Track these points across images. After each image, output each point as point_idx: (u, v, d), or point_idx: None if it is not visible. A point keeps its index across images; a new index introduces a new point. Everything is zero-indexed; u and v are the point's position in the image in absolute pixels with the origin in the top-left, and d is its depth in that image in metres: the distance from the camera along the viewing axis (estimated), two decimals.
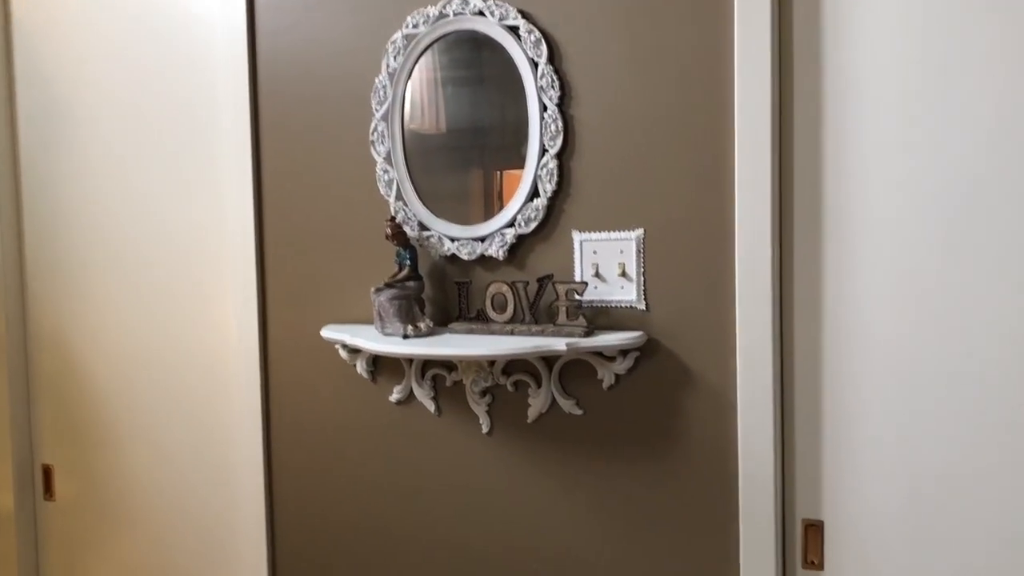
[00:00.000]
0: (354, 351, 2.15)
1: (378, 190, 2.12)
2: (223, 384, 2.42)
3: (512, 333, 1.91)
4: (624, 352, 1.88)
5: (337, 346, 2.16)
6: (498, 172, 2.04)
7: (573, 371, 1.96)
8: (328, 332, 2.11)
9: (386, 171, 2.10)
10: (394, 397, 2.15)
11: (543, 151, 1.93)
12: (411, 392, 2.14)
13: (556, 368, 1.96)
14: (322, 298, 2.25)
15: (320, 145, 2.23)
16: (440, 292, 2.09)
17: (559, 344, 1.80)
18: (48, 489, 2.74)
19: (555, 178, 1.91)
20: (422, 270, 2.04)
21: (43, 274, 2.70)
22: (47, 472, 2.75)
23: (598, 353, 1.90)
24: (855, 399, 1.76)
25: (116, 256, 2.56)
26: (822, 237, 1.76)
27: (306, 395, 2.31)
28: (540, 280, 1.90)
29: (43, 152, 2.68)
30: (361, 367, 2.18)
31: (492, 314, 1.94)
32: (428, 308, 2.08)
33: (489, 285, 1.95)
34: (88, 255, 2.61)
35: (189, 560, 2.52)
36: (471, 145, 2.07)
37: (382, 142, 2.11)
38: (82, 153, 2.60)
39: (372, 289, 2.03)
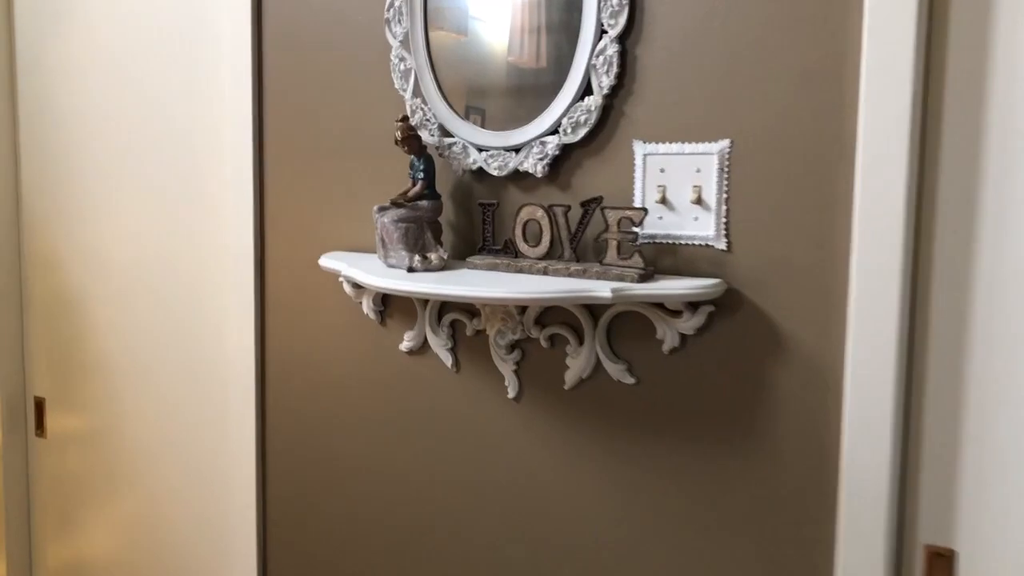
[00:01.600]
0: (358, 286, 1.81)
1: (392, 82, 1.74)
2: (218, 317, 2.14)
3: (545, 272, 1.50)
4: (694, 305, 1.45)
5: (340, 278, 1.82)
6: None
7: (625, 327, 1.55)
8: (327, 260, 1.75)
9: (402, 59, 1.70)
10: (405, 345, 1.79)
11: (600, 32, 1.48)
12: (425, 340, 1.77)
13: (603, 322, 1.55)
14: (326, 218, 1.91)
15: (327, 25, 1.86)
16: (462, 216, 1.70)
17: (602, 290, 1.38)
18: (40, 424, 2.55)
19: (614, 69, 1.47)
20: (442, 188, 1.66)
21: (39, 192, 2.47)
22: (39, 406, 2.54)
23: (658, 305, 1.48)
24: (1011, 399, 1.28)
25: (113, 171, 2.30)
26: (981, 173, 1.27)
27: (305, 335, 1.97)
28: (585, 204, 1.48)
29: (38, 64, 2.42)
30: (368, 306, 1.82)
31: (523, 246, 1.54)
32: (446, 236, 1.71)
33: (521, 209, 1.54)
34: (85, 170, 2.36)
35: (181, 499, 2.28)
36: None
37: (399, 21, 1.70)
38: (79, 58, 2.33)
39: (375, 208, 1.65)
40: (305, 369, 1.98)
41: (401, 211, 1.59)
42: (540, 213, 1.52)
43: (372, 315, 1.82)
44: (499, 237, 1.61)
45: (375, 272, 1.57)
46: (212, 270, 2.12)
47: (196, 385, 2.20)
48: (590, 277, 1.45)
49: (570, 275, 1.48)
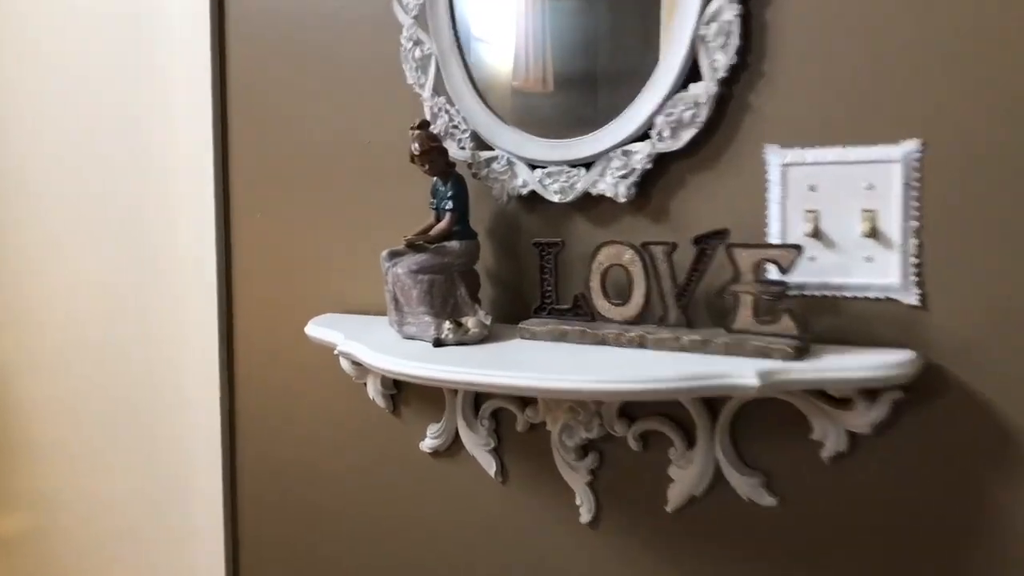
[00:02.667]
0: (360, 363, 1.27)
1: (403, 75, 1.26)
2: (175, 401, 1.64)
3: (641, 344, 1.02)
4: (871, 394, 0.97)
5: (336, 352, 1.25)
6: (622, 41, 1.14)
7: (761, 422, 1.06)
8: (317, 328, 1.28)
9: (417, 42, 1.23)
10: (428, 443, 1.30)
11: None
12: (456, 436, 1.28)
13: (726, 415, 1.07)
14: (315, 268, 1.43)
15: (309, 1, 1.41)
16: (509, 262, 1.23)
17: (744, 375, 0.90)
18: None
19: (734, 41, 1.00)
20: (478, 223, 1.19)
21: None
22: None
23: (818, 392, 1.00)
24: None
25: (44, 215, 1.81)
26: None
27: (289, 429, 1.49)
28: (703, 241, 1.00)
29: None
30: (374, 388, 1.33)
31: (603, 305, 1.06)
32: (486, 291, 1.22)
33: (599, 250, 1.06)
34: (5, 220, 1.88)
35: None
36: None
37: None
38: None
39: (384, 254, 1.17)
40: (290, 478, 1.49)
41: (422, 257, 1.11)
42: (630, 256, 1.04)
43: (381, 401, 1.33)
44: (566, 292, 1.11)
45: (386, 347, 1.10)
46: (167, 340, 1.64)
47: (153, 500, 1.71)
48: (713, 352, 0.97)
49: (682, 349, 0.99)
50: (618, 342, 1.04)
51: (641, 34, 1.10)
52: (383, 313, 1.23)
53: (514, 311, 1.22)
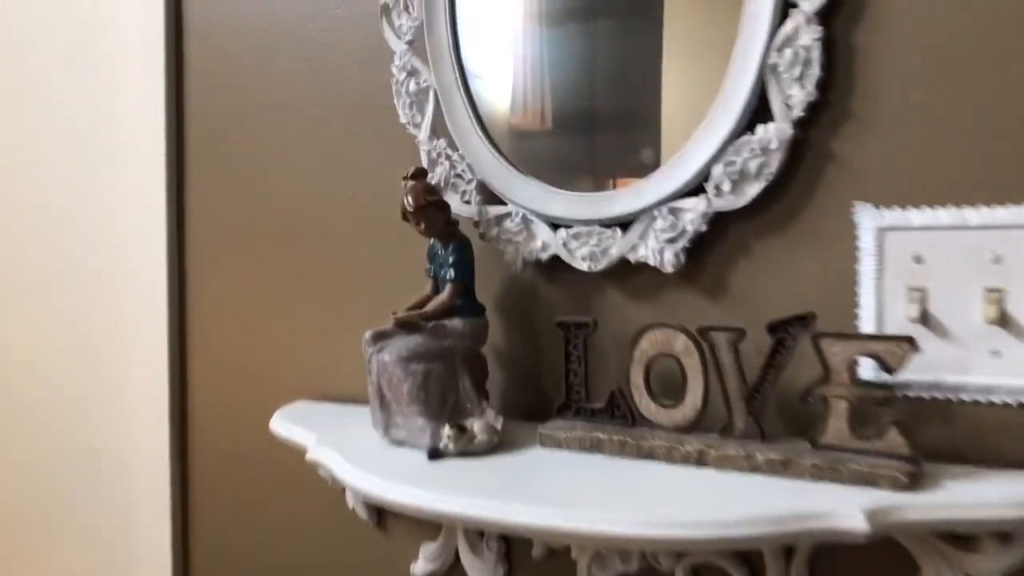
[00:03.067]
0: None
1: (395, 113, 1.04)
2: (123, 503, 1.36)
3: (701, 461, 0.78)
4: (1004, 539, 0.73)
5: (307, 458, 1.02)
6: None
7: (851, 561, 0.82)
8: (284, 423, 1.04)
9: (413, 72, 1.01)
10: (422, 567, 1.05)
11: (784, 5, 0.82)
12: (456, 560, 1.03)
13: (803, 554, 0.83)
14: (283, 349, 1.20)
15: (279, 26, 1.17)
16: (524, 345, 1.00)
17: (848, 515, 0.66)
18: None
19: (814, 73, 0.78)
20: (484, 293, 0.95)
21: None
22: None
23: (939, 534, 0.76)
24: None
25: None
26: None
27: (249, 544, 1.24)
28: (780, 329, 0.77)
29: None
30: (355, 497, 1.09)
31: (648, 405, 0.83)
32: (495, 382, 0.99)
33: (643, 335, 0.83)
34: None
35: None
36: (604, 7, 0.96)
37: (406, 8, 1.02)
38: None
39: (367, 335, 0.92)
40: None
41: (416, 340, 0.87)
42: (684, 344, 0.81)
43: (363, 513, 1.09)
44: (598, 386, 0.88)
45: (368, 457, 0.87)
46: (110, 449, 1.37)
47: None
48: (798, 476, 0.73)
49: (754, 470, 0.75)
50: (670, 458, 0.80)
51: (699, 66, 0.90)
52: (367, 400, 0.96)
53: (530, 407, 0.99)
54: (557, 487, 0.77)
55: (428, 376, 0.86)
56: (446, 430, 0.85)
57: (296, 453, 1.02)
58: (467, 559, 1.01)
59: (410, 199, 0.88)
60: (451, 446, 0.84)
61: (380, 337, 0.90)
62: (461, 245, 0.91)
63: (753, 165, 0.82)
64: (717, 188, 0.84)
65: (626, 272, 0.92)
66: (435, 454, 0.85)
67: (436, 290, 0.93)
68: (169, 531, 1.29)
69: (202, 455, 1.29)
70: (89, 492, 1.41)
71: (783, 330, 0.77)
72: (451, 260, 0.89)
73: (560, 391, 0.90)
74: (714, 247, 0.88)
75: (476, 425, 0.86)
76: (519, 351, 1.01)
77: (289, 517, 1.20)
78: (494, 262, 0.99)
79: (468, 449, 0.85)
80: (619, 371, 0.88)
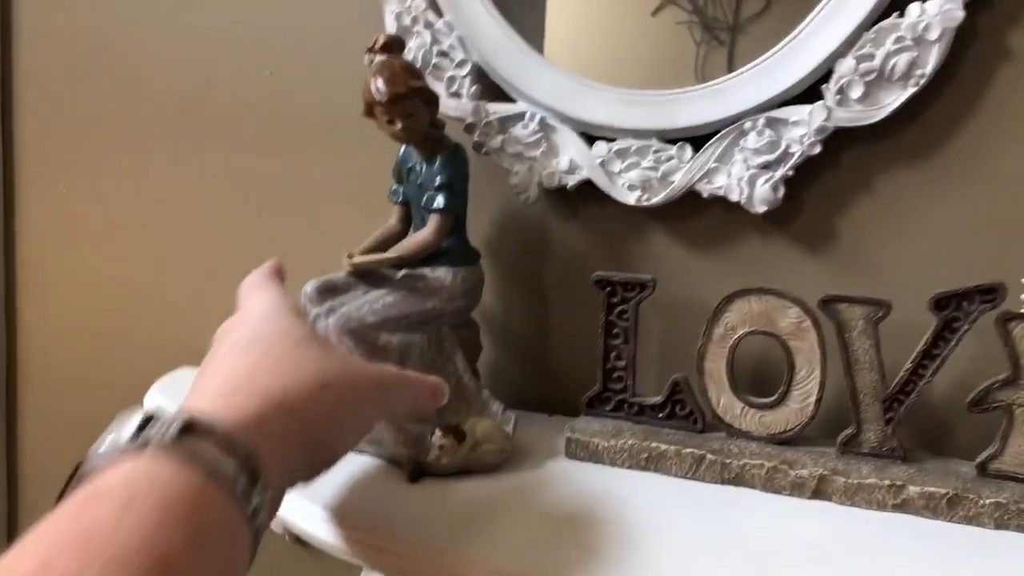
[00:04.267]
0: None
1: None
2: None
3: (819, 491, 0.53)
4: None
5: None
6: None
7: None
8: (155, 400, 0.72)
9: None
10: None
11: None
12: None
13: None
14: (160, 296, 0.87)
15: None
16: (530, 309, 0.72)
17: None
18: None
19: None
20: (474, 233, 0.65)
21: None
22: None
23: None
24: None
25: None
26: None
27: None
28: (948, 304, 0.52)
29: None
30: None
31: (732, 404, 0.57)
32: (486, 359, 0.70)
33: (730, 304, 0.56)
34: None
35: None
36: None
37: None
38: None
39: (310, 288, 0.59)
40: None
41: (386, 299, 0.57)
42: (793, 318, 0.55)
43: (287, 536, 0.82)
44: (646, 372, 0.64)
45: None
46: None
47: None
48: (968, 519, 0.50)
49: (903, 507, 0.51)
50: (771, 485, 0.55)
51: None
52: None
53: (530, 394, 0.71)
54: (622, 539, 0.49)
55: (407, 352, 0.57)
56: (436, 436, 0.55)
57: None
58: None
59: (381, 84, 0.57)
60: (444, 459, 0.55)
61: (329, 292, 0.58)
62: (454, 157, 0.60)
63: (900, 62, 0.57)
64: (842, 93, 0.58)
65: (689, 210, 0.65)
66: (418, 472, 0.55)
67: (406, 223, 0.64)
68: None
69: (36, 451, 0.97)
70: None
71: (957, 306, 0.53)
72: (439, 179, 0.59)
73: (590, 376, 0.62)
74: (820, 180, 0.62)
75: (480, 426, 0.57)
76: (519, 317, 0.72)
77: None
78: (491, 188, 0.69)
79: (470, 463, 0.56)
80: (672, 352, 0.64)
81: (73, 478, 0.36)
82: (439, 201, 0.60)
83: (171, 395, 0.73)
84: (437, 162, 0.60)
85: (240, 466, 0.36)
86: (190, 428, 0.36)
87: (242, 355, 0.44)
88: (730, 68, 0.62)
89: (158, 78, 0.83)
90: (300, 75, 0.78)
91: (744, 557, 0.48)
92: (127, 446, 0.36)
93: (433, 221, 0.60)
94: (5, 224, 0.92)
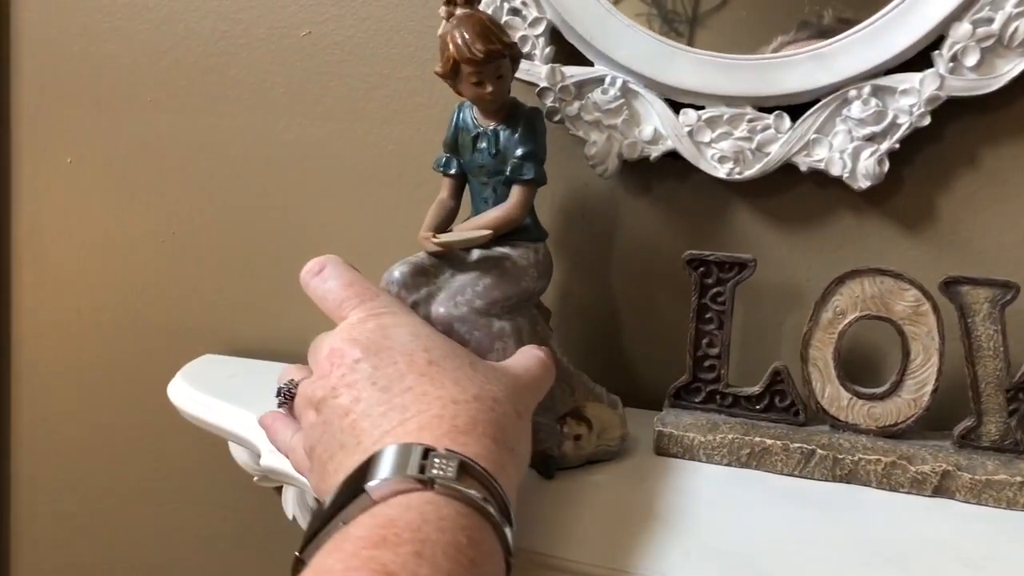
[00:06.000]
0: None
1: None
2: None
3: (940, 489, 0.51)
4: None
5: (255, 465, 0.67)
6: None
7: None
8: (189, 393, 0.67)
9: None
10: None
11: None
12: None
13: None
14: (183, 276, 0.79)
15: None
16: (599, 295, 0.67)
17: None
18: None
19: None
20: (542, 208, 0.63)
21: None
22: None
23: None
24: None
25: None
26: None
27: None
28: None
29: None
30: (294, 503, 0.69)
31: (836, 396, 0.53)
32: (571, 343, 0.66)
33: (840, 286, 0.53)
34: None
35: None
36: None
37: None
38: None
39: (398, 274, 0.51)
40: None
41: (483, 281, 0.51)
42: (911, 302, 0.52)
43: (301, 517, 0.71)
44: (739, 360, 0.61)
45: None
46: None
47: None
48: None
49: None
50: (888, 482, 0.52)
51: None
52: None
53: (644, 387, 0.66)
54: (748, 545, 0.46)
55: (519, 337, 0.52)
56: (569, 425, 0.53)
57: (204, 439, 0.68)
58: None
59: (474, 39, 0.50)
60: (581, 450, 0.53)
61: (421, 276, 0.52)
62: (538, 122, 0.55)
63: (1021, 27, 0.53)
64: (955, 60, 0.55)
65: (779, 185, 0.61)
66: (548, 467, 0.52)
67: (457, 198, 0.58)
68: None
69: (32, 447, 0.89)
70: None
71: None
72: (524, 148, 0.53)
73: (659, 364, 0.60)
74: (921, 154, 0.59)
75: (599, 413, 0.54)
76: (584, 300, 0.67)
77: (198, 521, 0.81)
78: (560, 158, 0.64)
79: (597, 453, 0.54)
80: (755, 338, 0.61)
81: (345, 499, 0.37)
82: (527, 171, 0.54)
83: (200, 384, 0.68)
84: (520, 128, 0.54)
85: (500, 510, 0.37)
86: (464, 469, 0.37)
87: (440, 380, 0.42)
88: None
89: (178, 38, 0.76)
90: (339, 34, 0.71)
91: (884, 560, 0.44)
92: (410, 480, 0.36)
93: (518, 193, 0.54)
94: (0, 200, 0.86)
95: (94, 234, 0.81)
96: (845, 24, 0.58)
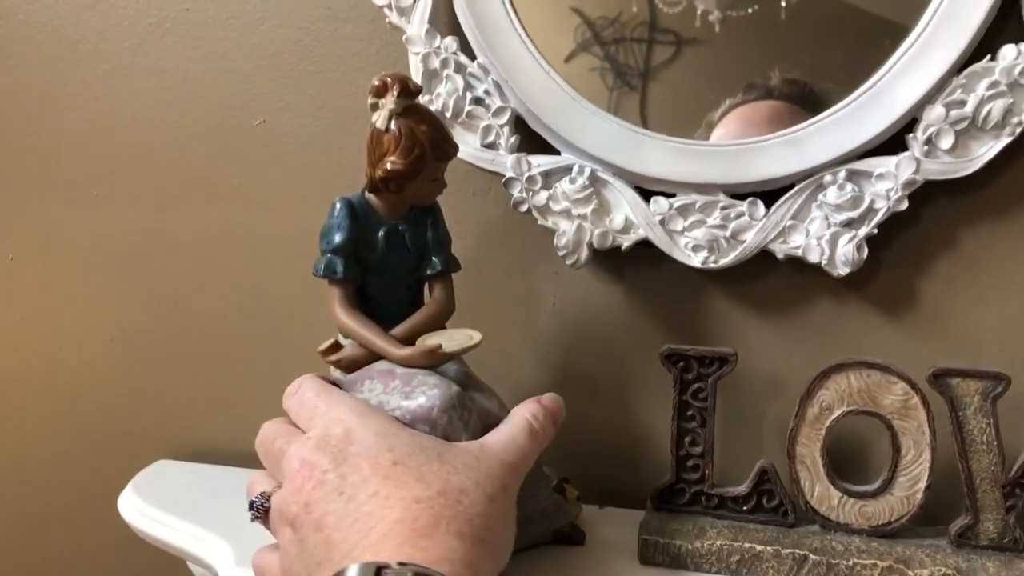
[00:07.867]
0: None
1: None
2: None
3: None
4: None
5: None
6: None
7: None
8: (142, 508, 0.62)
9: None
10: None
11: None
12: None
13: None
14: (124, 379, 0.76)
15: None
16: (571, 388, 0.65)
17: None
18: None
19: None
20: (512, 298, 0.63)
21: None
22: None
23: None
24: None
25: None
26: None
27: None
28: None
29: None
30: None
31: (827, 495, 0.51)
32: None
33: (826, 380, 0.51)
34: None
35: None
36: None
37: None
38: None
39: (451, 393, 0.50)
40: None
41: (448, 364, 0.51)
42: (899, 396, 0.50)
43: None
44: (727, 452, 0.56)
45: None
46: None
47: None
48: None
49: None
50: None
51: None
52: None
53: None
54: None
55: (490, 408, 0.52)
56: (567, 491, 0.54)
57: (161, 557, 0.63)
58: None
59: (443, 134, 0.50)
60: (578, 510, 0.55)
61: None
62: (437, 209, 0.54)
63: (994, 109, 0.54)
64: (930, 143, 0.54)
65: (755, 272, 0.60)
66: (576, 536, 0.54)
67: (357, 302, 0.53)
68: None
69: None
70: None
71: None
72: (442, 241, 0.53)
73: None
74: (899, 238, 0.58)
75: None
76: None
77: None
78: (532, 250, 0.63)
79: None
80: (736, 432, 0.59)
81: None
82: (452, 264, 0.53)
83: (152, 497, 0.63)
84: (430, 220, 0.53)
85: None
86: None
87: (403, 480, 0.42)
88: (642, 113, 0.60)
89: (125, 129, 0.74)
90: (294, 125, 0.69)
91: None
92: None
93: (445, 285, 0.53)
94: None
95: (38, 333, 0.78)
96: (792, 84, 0.59)
